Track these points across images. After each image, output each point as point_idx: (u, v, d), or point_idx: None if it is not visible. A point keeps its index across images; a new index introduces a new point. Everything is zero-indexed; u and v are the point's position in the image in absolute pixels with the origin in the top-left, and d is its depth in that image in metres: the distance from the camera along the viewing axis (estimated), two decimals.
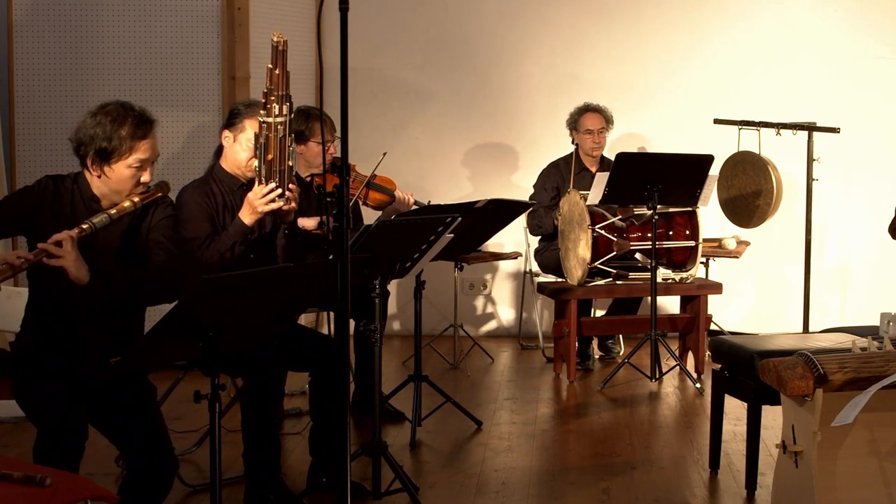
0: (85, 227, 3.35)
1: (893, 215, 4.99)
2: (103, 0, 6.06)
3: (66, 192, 3.55)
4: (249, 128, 4.12)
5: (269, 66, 3.89)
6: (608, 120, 6.53)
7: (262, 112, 3.93)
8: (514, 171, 7.36)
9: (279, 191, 3.99)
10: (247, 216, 4.07)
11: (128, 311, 3.61)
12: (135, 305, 3.60)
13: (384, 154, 5.26)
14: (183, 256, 3.71)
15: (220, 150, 4.34)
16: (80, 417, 3.38)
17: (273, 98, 3.91)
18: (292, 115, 3.98)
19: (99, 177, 3.51)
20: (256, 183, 4.02)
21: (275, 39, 3.85)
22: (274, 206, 4.01)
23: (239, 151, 4.22)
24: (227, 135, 4.27)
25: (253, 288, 3.02)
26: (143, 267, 3.56)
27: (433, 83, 7.40)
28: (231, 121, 4.26)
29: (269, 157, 3.95)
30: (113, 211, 3.44)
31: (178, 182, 5.92)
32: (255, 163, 4.01)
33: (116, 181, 3.50)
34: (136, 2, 6.09)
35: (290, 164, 3.99)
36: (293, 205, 4.06)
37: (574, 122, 6.54)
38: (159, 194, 3.59)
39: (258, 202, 4.01)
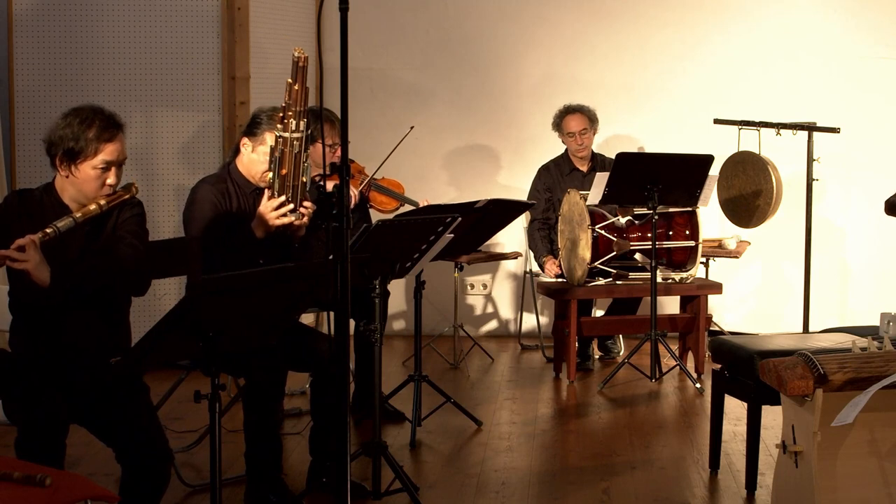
0: (49, 231, 3.41)
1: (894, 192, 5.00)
2: (103, 0, 6.06)
3: (36, 204, 3.58)
4: (269, 140, 4.10)
5: (289, 80, 3.87)
6: (591, 119, 6.47)
7: (279, 126, 3.93)
8: (513, 172, 7.35)
9: (291, 206, 3.99)
10: (258, 229, 4.06)
11: (110, 308, 3.63)
12: (99, 294, 3.58)
13: (411, 127, 5.45)
14: (147, 251, 3.72)
15: (237, 150, 4.33)
16: (60, 415, 3.39)
17: (291, 113, 3.89)
18: (310, 131, 3.97)
19: (67, 176, 3.57)
20: (267, 195, 4.02)
21: (296, 55, 3.83)
22: (286, 220, 4.01)
23: (256, 162, 4.22)
24: (245, 142, 4.25)
25: (253, 288, 3.02)
26: (102, 257, 3.58)
27: (433, 83, 7.40)
28: (252, 129, 4.24)
29: (284, 171, 3.94)
30: (78, 214, 3.50)
31: (178, 181, 5.97)
32: (270, 175, 4.01)
33: (82, 181, 3.55)
34: (137, 2, 6.09)
35: (304, 180, 3.98)
36: (305, 220, 4.06)
37: (558, 125, 6.52)
38: (126, 196, 3.62)
39: (270, 215, 4.00)
